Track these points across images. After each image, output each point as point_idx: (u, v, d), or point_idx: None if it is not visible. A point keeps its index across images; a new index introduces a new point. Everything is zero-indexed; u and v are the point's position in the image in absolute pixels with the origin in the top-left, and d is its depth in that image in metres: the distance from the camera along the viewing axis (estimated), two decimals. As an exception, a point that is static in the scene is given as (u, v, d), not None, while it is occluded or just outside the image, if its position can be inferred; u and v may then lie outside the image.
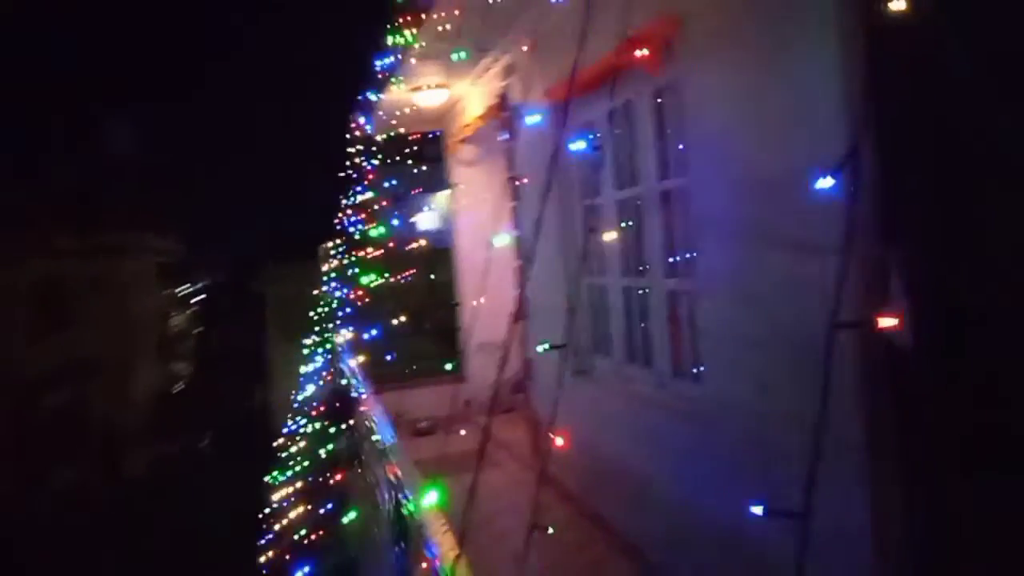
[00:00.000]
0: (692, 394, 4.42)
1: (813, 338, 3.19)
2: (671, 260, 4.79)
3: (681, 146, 4.40)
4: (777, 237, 3.40)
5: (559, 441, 2.33)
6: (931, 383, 2.69)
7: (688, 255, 4.45)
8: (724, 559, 3.90)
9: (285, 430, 12.84)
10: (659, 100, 4.77)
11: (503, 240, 6.39)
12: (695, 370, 4.42)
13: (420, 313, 10.07)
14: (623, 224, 5.37)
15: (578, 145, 4.95)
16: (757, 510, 1.77)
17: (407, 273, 8.98)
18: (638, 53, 3.83)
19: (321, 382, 11.37)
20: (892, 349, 2.72)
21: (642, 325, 5.23)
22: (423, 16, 6.23)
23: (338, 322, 10.39)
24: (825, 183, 1.93)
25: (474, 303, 3.44)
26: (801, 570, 1.48)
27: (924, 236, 2.68)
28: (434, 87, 7.90)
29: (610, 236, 5.38)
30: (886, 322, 1.74)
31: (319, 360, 11.79)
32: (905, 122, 2.63)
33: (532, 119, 4.61)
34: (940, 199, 2.62)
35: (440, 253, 10.19)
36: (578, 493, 5.62)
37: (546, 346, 4.02)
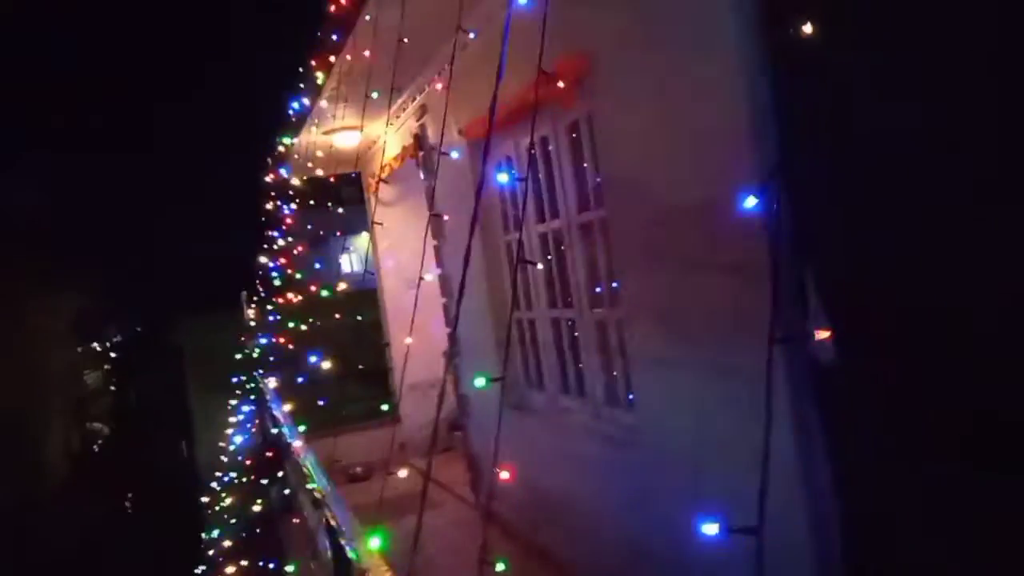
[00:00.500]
0: (627, 421, 4.47)
1: (739, 357, 3.28)
2: (596, 290, 4.85)
3: (598, 178, 4.49)
4: (696, 261, 3.49)
5: (504, 475, 2.32)
6: (856, 391, 2.79)
7: (613, 284, 4.52)
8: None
9: (213, 485, 12.46)
10: (574, 134, 4.86)
11: (430, 278, 6.38)
12: (629, 397, 4.47)
13: (349, 356, 9.94)
14: (546, 257, 5.42)
15: (502, 177, 5.01)
16: (712, 528, 1.78)
17: (333, 317, 8.88)
18: (559, 84, 3.90)
19: (249, 433, 11.09)
20: (816, 363, 2.82)
21: (573, 356, 5.27)
22: (333, 58, 6.22)
23: (264, 370, 10.17)
24: (750, 203, 1.99)
25: (405, 342, 3.42)
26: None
27: (838, 252, 2.79)
28: (348, 129, 7.88)
29: (534, 270, 5.43)
30: (820, 335, 1.80)
31: (245, 410, 11.52)
32: (813, 142, 2.74)
33: (452, 156, 4.65)
34: (850, 215, 2.74)
35: (365, 295, 10.11)
36: (521, 528, 5.60)
37: (483, 380, 3.99)
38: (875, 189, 2.67)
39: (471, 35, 4.87)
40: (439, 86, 5.97)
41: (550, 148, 5.10)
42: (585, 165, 4.72)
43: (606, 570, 4.68)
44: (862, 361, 2.73)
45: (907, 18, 2.48)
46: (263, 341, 10.92)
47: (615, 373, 4.73)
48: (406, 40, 5.32)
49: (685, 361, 3.68)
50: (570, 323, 5.26)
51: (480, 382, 3.71)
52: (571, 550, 5.13)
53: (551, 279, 5.42)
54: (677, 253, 3.63)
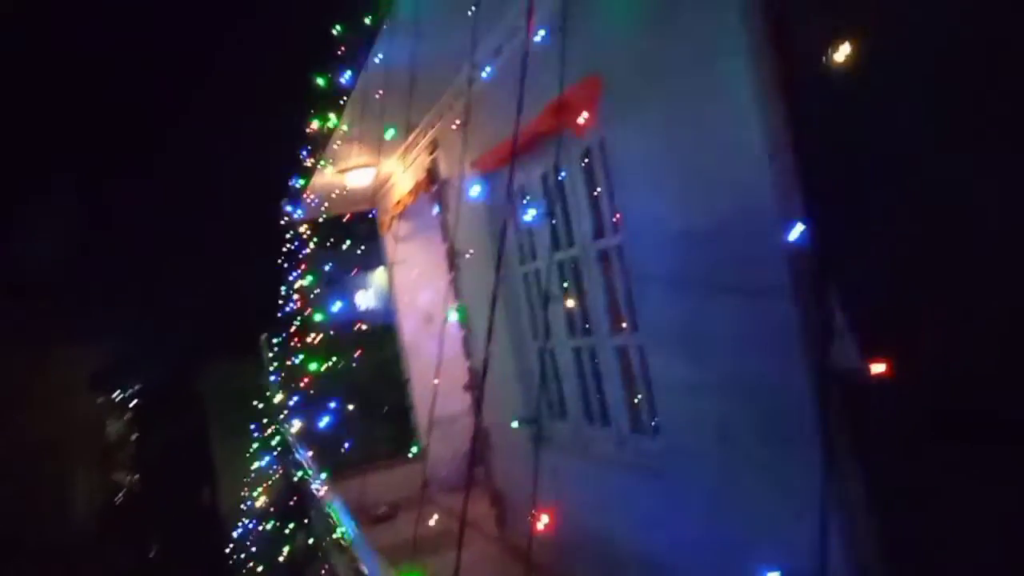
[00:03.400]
0: (652, 448, 4.40)
1: (763, 379, 3.24)
2: (615, 317, 4.81)
3: (613, 204, 4.47)
4: (714, 284, 3.45)
5: (544, 519, 2.30)
6: (883, 402, 2.74)
7: (632, 311, 4.48)
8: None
9: (238, 533, 12.41)
10: (586, 161, 4.86)
11: (454, 315, 6.36)
12: (653, 424, 4.41)
13: (369, 394, 9.93)
14: (563, 286, 5.39)
15: (530, 214, 5.01)
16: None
17: (353, 354, 8.90)
18: (584, 115, 3.89)
19: (272, 479, 11.06)
20: (842, 378, 2.76)
21: (596, 384, 5.22)
22: (344, 99, 6.28)
23: (286, 413, 10.17)
24: (796, 232, 1.95)
25: (433, 382, 3.40)
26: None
27: (859, 268, 2.75)
28: (362, 167, 7.94)
29: (552, 300, 5.40)
30: (876, 368, 1.75)
31: (268, 456, 11.50)
32: (827, 165, 2.72)
33: (472, 191, 4.65)
34: (870, 234, 2.70)
35: (383, 332, 10.10)
36: (548, 564, 5.50)
37: (516, 423, 3.97)
38: (896, 204, 2.64)
39: (483, 73, 4.90)
40: (455, 125, 5.99)
41: (562, 176, 5.10)
42: (599, 192, 4.71)
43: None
44: (890, 376, 2.67)
45: (921, 28, 2.46)
46: (284, 384, 10.93)
47: (637, 400, 4.67)
48: (415, 80, 5.38)
49: (707, 385, 3.63)
50: (590, 351, 5.22)
51: (515, 424, 3.68)
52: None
53: (569, 308, 5.39)
54: (695, 276, 3.60)
